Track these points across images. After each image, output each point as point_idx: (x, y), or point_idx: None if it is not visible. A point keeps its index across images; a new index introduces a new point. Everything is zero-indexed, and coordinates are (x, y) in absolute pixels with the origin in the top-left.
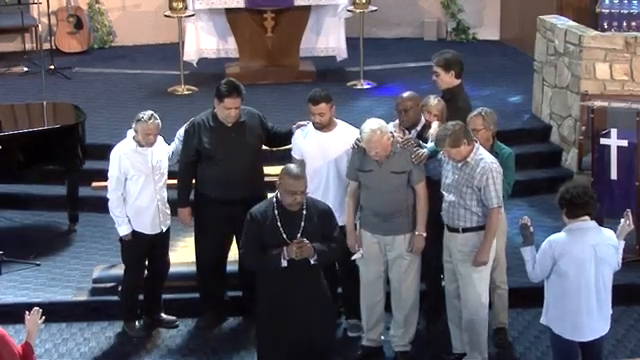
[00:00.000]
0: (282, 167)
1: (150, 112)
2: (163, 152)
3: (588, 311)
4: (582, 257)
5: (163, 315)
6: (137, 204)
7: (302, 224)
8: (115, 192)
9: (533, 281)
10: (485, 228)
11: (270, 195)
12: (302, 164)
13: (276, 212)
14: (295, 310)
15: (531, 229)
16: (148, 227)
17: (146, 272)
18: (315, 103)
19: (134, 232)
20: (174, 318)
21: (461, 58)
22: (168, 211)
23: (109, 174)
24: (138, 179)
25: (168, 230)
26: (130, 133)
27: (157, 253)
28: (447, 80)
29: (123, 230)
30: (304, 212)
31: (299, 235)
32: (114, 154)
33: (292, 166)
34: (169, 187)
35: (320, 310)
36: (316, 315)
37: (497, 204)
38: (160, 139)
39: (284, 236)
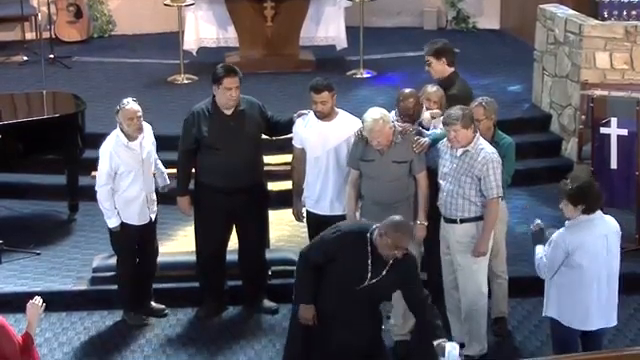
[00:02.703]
0: (393, 223)
1: (127, 99)
2: (151, 143)
3: (599, 301)
4: (595, 248)
5: (153, 303)
6: (125, 196)
7: (384, 272)
8: (104, 187)
9: (541, 276)
10: (484, 218)
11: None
12: (303, 152)
13: (369, 248)
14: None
15: (546, 233)
16: (136, 218)
17: (137, 260)
18: (317, 92)
19: (122, 223)
20: (163, 307)
21: (451, 46)
22: (155, 199)
23: (99, 168)
24: (128, 174)
25: (155, 218)
26: (115, 132)
27: (145, 241)
28: (439, 68)
29: (112, 222)
30: (391, 260)
31: (375, 281)
32: (104, 150)
33: (402, 222)
34: (168, 176)
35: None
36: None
37: (497, 194)
38: (148, 129)
39: (368, 275)
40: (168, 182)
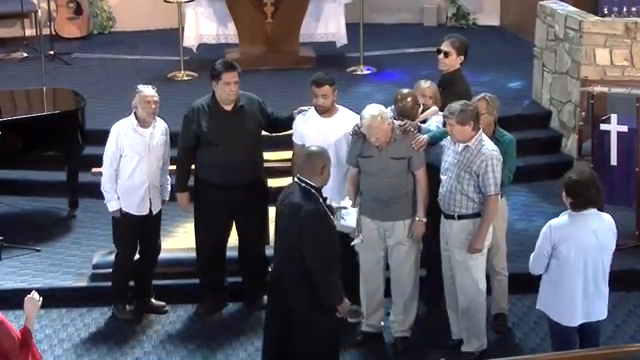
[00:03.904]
0: (314, 153)
1: (144, 85)
2: (164, 138)
3: (585, 296)
4: (583, 242)
5: (153, 300)
6: (127, 183)
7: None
8: (109, 168)
9: (532, 271)
10: (482, 215)
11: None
12: (303, 149)
13: (321, 200)
14: None
15: None
16: (134, 207)
17: (138, 256)
18: (319, 85)
19: (123, 212)
20: (163, 303)
21: None
22: (160, 195)
23: (106, 149)
24: (132, 158)
25: (159, 214)
26: (130, 116)
27: (147, 236)
28: (452, 63)
29: (112, 206)
30: None
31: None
32: (114, 129)
33: (314, 148)
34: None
35: None
36: None
37: (494, 191)
38: (164, 125)
39: (335, 220)
40: (167, 198)
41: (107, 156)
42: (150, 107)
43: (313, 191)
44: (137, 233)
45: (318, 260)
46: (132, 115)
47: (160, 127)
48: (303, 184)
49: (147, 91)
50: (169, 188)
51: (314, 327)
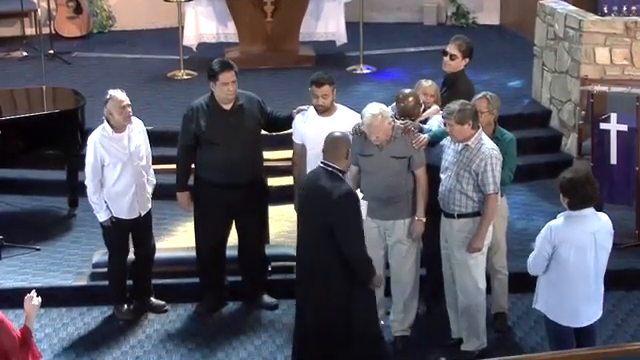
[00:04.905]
0: (336, 138)
1: (112, 90)
2: (142, 137)
3: (586, 297)
4: (582, 244)
5: (152, 299)
6: (114, 190)
7: None
8: (93, 180)
9: (531, 272)
10: (481, 214)
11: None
12: (303, 148)
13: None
14: None
15: None
16: (125, 212)
17: (134, 257)
18: (319, 85)
19: (113, 218)
20: (163, 303)
21: None
22: (149, 195)
23: (86, 162)
24: (115, 166)
25: (149, 214)
26: (102, 125)
27: (140, 237)
28: (457, 65)
29: (102, 217)
30: None
31: None
32: (90, 142)
33: (335, 134)
34: (168, 172)
35: None
36: None
37: (493, 190)
38: (139, 123)
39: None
40: (151, 190)
41: (88, 169)
42: (126, 111)
43: (340, 174)
44: (128, 235)
45: (354, 237)
46: (105, 123)
47: (137, 127)
48: (330, 168)
49: (120, 96)
50: (153, 181)
51: (355, 309)
